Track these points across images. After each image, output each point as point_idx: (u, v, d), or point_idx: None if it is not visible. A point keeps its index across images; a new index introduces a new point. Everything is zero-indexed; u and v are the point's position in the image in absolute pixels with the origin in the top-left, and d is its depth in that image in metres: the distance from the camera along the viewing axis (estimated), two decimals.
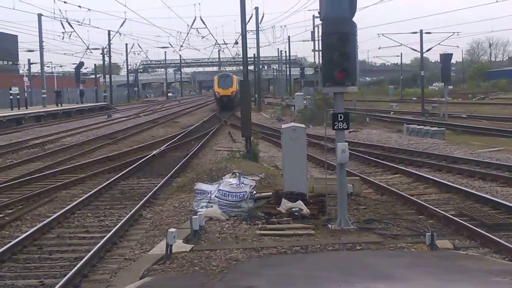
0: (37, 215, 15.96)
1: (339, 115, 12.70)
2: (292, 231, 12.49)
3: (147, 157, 26.10)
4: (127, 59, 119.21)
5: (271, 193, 15.03)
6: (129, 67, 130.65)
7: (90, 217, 15.52)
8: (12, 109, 61.84)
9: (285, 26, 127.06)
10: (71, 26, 72.62)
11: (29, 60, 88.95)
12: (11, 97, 64.44)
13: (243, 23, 25.22)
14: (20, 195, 18.36)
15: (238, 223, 13.33)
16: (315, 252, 11.13)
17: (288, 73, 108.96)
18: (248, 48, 26.22)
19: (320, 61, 13.05)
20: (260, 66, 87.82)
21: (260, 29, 71.69)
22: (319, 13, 13.29)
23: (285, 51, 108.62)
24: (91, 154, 29.42)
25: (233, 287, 8.99)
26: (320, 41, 13.05)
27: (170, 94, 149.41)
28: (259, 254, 11.03)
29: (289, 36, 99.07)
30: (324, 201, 14.03)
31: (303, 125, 15.70)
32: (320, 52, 13.03)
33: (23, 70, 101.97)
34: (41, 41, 73.82)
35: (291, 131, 14.81)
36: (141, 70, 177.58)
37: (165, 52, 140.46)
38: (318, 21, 13.36)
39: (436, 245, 10.96)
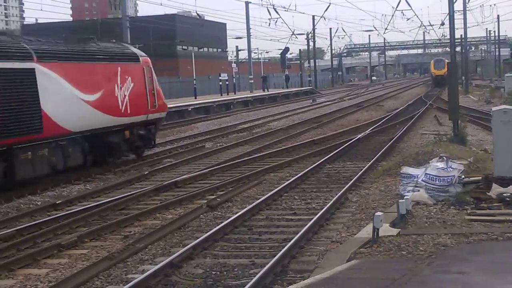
0: (246, 197, 16.48)
1: None
2: (503, 217, 12.05)
3: (352, 140, 26.16)
4: (331, 44, 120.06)
5: (480, 177, 14.57)
6: (333, 51, 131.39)
7: (297, 200, 15.79)
8: (221, 95, 64.25)
9: (494, 5, 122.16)
10: (277, 12, 74.45)
11: (237, 47, 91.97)
12: (220, 83, 66.97)
13: (451, 3, 24.59)
14: (230, 177, 19.06)
15: (446, 208, 13.05)
16: None
17: (497, 54, 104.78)
18: (455, 29, 25.54)
19: None
20: (467, 47, 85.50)
21: (467, 9, 69.57)
22: None
23: (494, 31, 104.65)
24: (297, 138, 29.92)
25: (442, 273, 8.84)
26: None
27: (374, 78, 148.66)
28: (469, 240, 10.75)
29: (498, 15, 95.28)
30: None
31: None
32: None
33: (231, 56, 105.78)
34: (248, 28, 76.04)
35: (502, 113, 14.25)
36: (345, 54, 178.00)
37: (369, 35, 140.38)
38: None
39: None
